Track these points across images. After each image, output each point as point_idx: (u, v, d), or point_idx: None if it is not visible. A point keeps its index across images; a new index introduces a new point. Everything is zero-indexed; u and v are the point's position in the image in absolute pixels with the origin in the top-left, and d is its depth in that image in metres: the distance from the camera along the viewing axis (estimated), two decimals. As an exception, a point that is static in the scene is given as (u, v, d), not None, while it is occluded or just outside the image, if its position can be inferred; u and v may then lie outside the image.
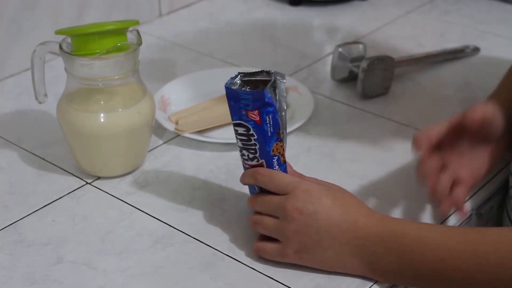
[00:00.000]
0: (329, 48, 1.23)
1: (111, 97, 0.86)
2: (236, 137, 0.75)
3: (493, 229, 0.72)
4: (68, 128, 0.87)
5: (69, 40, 0.84)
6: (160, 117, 0.98)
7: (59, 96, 0.88)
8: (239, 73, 0.75)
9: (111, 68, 0.84)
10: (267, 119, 0.73)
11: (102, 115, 0.85)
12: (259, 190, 0.78)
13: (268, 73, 0.74)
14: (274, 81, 0.74)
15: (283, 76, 0.75)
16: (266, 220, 0.76)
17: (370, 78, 1.06)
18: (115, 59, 0.83)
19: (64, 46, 0.84)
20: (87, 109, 0.85)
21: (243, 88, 0.74)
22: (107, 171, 0.90)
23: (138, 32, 0.86)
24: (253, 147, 0.75)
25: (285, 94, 0.75)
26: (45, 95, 0.90)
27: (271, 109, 0.72)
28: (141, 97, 0.87)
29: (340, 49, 1.10)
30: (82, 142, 0.87)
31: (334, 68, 1.11)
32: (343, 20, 1.35)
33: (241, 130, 0.74)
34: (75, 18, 1.18)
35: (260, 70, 0.75)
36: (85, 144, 0.87)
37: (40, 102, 0.91)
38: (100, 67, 0.83)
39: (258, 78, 0.75)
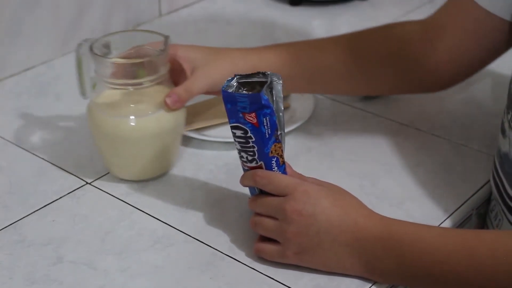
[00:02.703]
0: (329, 48, 1.23)
1: (141, 99, 0.85)
2: (234, 140, 0.75)
3: (490, 231, 0.72)
4: (98, 132, 0.86)
5: (101, 42, 0.83)
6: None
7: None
8: (235, 75, 0.75)
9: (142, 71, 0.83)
10: (265, 121, 0.72)
11: (132, 118, 0.84)
12: (259, 191, 0.78)
13: (264, 74, 0.74)
14: (271, 82, 0.74)
15: (279, 77, 0.74)
16: (266, 221, 0.76)
17: (370, 78, 1.06)
18: (146, 62, 0.83)
19: (96, 49, 0.83)
20: (118, 113, 0.84)
21: (240, 90, 0.74)
22: (139, 175, 0.88)
23: (167, 37, 0.85)
24: (252, 149, 0.74)
25: (281, 95, 0.75)
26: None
27: (268, 111, 0.72)
28: None
29: (340, 49, 1.10)
30: (113, 146, 0.86)
31: (334, 68, 1.11)
32: (343, 20, 1.35)
33: (238, 132, 0.74)
34: (75, 18, 1.18)
35: (256, 72, 0.75)
36: (116, 148, 0.86)
37: (86, 98, 0.88)
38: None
39: (254, 79, 0.74)
